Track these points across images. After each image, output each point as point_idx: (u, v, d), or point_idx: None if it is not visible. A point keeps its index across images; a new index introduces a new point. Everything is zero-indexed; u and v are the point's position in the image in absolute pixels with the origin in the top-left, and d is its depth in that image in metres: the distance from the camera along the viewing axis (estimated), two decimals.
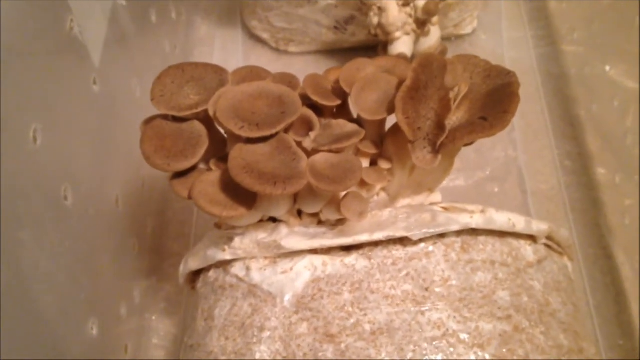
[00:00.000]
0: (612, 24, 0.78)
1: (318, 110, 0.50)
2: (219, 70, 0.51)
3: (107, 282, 0.59)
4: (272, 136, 0.46)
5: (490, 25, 0.91)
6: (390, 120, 0.51)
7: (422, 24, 0.74)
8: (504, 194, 0.77)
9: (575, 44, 0.86)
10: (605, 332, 0.68)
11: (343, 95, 0.51)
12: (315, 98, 0.49)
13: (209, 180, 0.47)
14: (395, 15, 0.73)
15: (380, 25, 0.74)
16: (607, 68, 0.77)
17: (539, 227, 0.50)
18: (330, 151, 0.46)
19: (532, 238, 0.52)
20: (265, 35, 0.88)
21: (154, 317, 0.70)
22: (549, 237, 0.53)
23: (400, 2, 0.73)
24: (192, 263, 0.53)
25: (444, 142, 0.45)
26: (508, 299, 0.47)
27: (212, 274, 0.53)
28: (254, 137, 0.44)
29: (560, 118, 0.83)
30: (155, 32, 0.78)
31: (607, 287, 0.70)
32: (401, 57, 0.60)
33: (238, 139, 0.46)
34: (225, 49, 0.90)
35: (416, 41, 0.77)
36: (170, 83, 0.50)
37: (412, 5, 0.73)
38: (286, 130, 0.47)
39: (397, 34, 0.74)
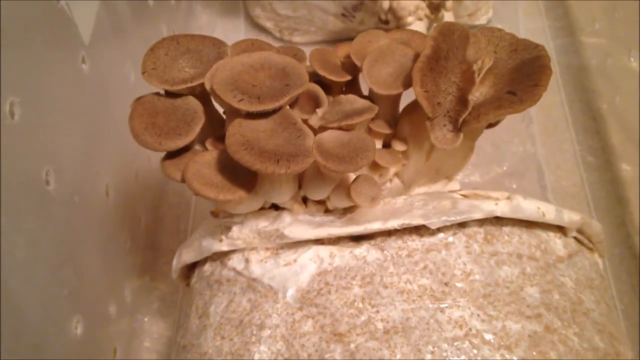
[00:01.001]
0: (636, 13, 0.73)
1: (326, 87, 0.46)
2: (217, 43, 0.46)
3: (94, 278, 0.54)
4: (274, 111, 0.41)
5: (506, 15, 0.87)
6: (405, 100, 0.47)
7: (435, 9, 0.70)
8: (522, 190, 0.72)
9: (597, 35, 0.82)
10: (632, 337, 0.62)
11: (353, 72, 0.46)
12: (323, 73, 0.44)
13: (204, 160, 0.42)
14: None
15: (391, 9, 0.69)
16: (631, 60, 0.72)
17: (570, 217, 0.45)
18: (339, 128, 0.41)
19: (561, 230, 0.47)
20: (268, 24, 0.83)
21: (146, 319, 0.65)
22: (579, 231, 0.48)
23: None
24: (186, 255, 0.49)
25: (467, 119, 0.40)
26: (537, 295, 0.42)
27: (207, 267, 0.48)
28: (254, 110, 0.40)
29: (581, 111, 0.78)
30: (152, 17, 0.73)
31: (634, 288, 0.65)
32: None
33: (237, 115, 0.41)
34: (226, 39, 0.84)
35: (429, 28, 0.73)
36: (164, 55, 0.45)
37: None
38: (291, 106, 0.42)
39: (409, 19, 0.69)
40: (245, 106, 0.39)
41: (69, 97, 0.51)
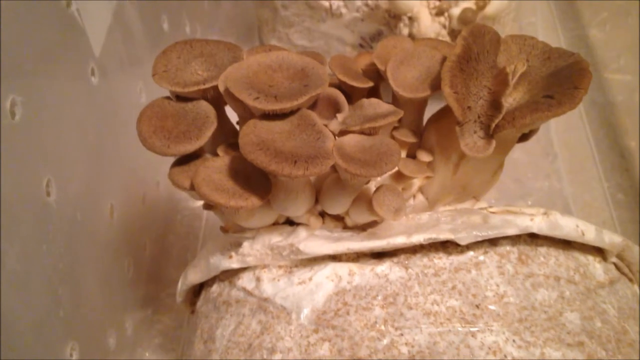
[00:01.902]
0: None
1: (347, 96, 0.43)
2: (232, 47, 0.44)
3: (92, 304, 0.50)
4: (292, 112, 0.38)
5: None
6: (429, 112, 0.44)
7: (456, 36, 0.68)
8: None
9: (622, 71, 0.80)
10: None
11: (375, 79, 0.43)
12: (344, 78, 0.42)
13: (215, 166, 0.39)
14: (427, 25, 0.67)
15: (411, 36, 0.67)
16: None
17: (611, 238, 0.42)
18: (361, 132, 0.38)
19: (601, 254, 0.43)
20: None
21: (147, 353, 0.60)
22: (619, 257, 0.44)
23: (434, 11, 0.67)
24: (192, 276, 0.45)
25: (500, 124, 0.37)
26: (578, 322, 0.38)
27: (215, 288, 0.44)
28: (271, 110, 0.37)
29: (608, 148, 0.75)
30: (166, 42, 0.71)
31: None
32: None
33: (252, 117, 0.38)
34: None
35: None
36: (176, 58, 0.43)
37: (446, 14, 0.67)
38: (310, 108, 0.39)
39: None
40: (261, 104, 0.36)
41: (76, 108, 0.49)
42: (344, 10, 0.73)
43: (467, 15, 0.64)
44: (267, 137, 0.36)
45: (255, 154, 0.35)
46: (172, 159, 0.46)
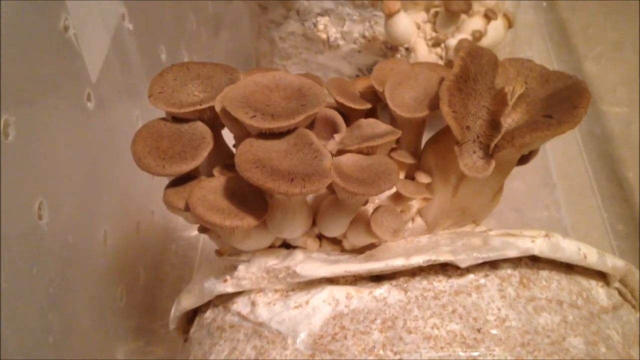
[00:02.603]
0: None
1: (344, 117, 0.42)
2: (229, 70, 0.43)
3: (83, 331, 0.49)
4: (289, 132, 0.38)
5: None
6: (428, 135, 0.43)
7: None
8: None
9: (618, 104, 0.80)
10: None
11: (373, 102, 0.43)
12: (341, 100, 0.41)
13: (210, 186, 0.38)
14: (424, 56, 0.67)
15: None
16: None
17: (614, 262, 0.41)
18: (359, 152, 0.38)
19: (604, 279, 0.42)
20: None
21: None
22: (622, 282, 0.43)
23: (430, 42, 0.68)
24: (186, 301, 0.44)
25: (500, 144, 0.37)
26: (582, 347, 0.37)
27: (209, 314, 0.43)
28: (267, 128, 0.36)
29: (606, 179, 0.75)
30: None
31: None
32: None
33: (248, 137, 0.38)
34: None
35: None
36: (172, 80, 0.42)
37: (442, 45, 0.67)
38: (307, 129, 0.39)
39: None
40: (257, 123, 0.36)
41: (71, 131, 0.48)
42: (341, 42, 0.73)
43: (464, 46, 0.64)
44: (264, 156, 0.36)
45: (252, 171, 0.35)
46: None
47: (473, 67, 0.38)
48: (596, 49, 0.87)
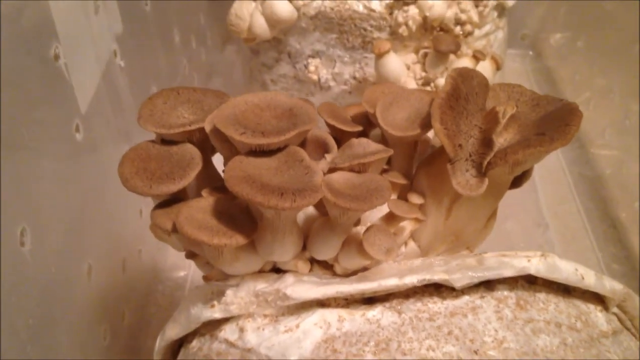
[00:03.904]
0: None
1: (336, 141, 0.42)
2: (220, 95, 0.43)
3: None
4: (279, 150, 0.37)
5: None
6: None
7: None
8: None
9: (607, 147, 0.80)
10: None
11: (365, 126, 0.43)
12: (332, 122, 0.41)
13: (198, 206, 0.37)
14: None
15: None
16: None
17: (612, 285, 0.40)
18: (351, 170, 0.37)
19: (602, 304, 0.41)
20: None
21: None
22: (621, 308, 0.42)
23: (420, 82, 0.68)
24: (171, 331, 0.42)
25: (493, 161, 0.36)
26: None
27: (195, 343, 0.41)
28: (257, 144, 0.36)
29: (599, 219, 0.75)
30: None
31: None
32: None
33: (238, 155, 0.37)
34: None
35: None
36: (162, 104, 0.42)
37: (432, 84, 0.68)
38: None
39: None
40: (247, 139, 0.36)
41: (57, 160, 0.48)
42: (332, 84, 0.74)
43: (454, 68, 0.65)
44: (254, 172, 0.35)
45: (241, 186, 0.34)
46: None
47: (464, 87, 0.38)
48: (584, 95, 0.88)
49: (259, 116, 0.38)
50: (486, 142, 0.37)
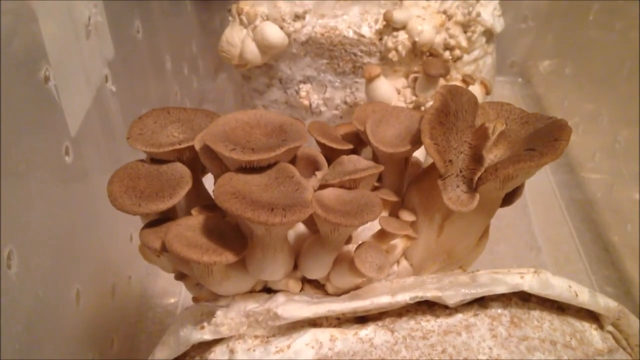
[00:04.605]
0: (636, 144, 0.73)
1: (326, 160, 0.42)
2: (210, 114, 0.43)
3: None
4: (269, 166, 0.37)
5: None
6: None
7: None
8: None
9: (597, 171, 0.81)
10: None
11: (355, 145, 0.43)
12: (322, 140, 0.41)
13: (188, 224, 0.37)
14: None
15: None
16: (635, 195, 0.70)
17: (607, 303, 0.39)
18: (341, 186, 0.37)
19: (597, 322, 0.41)
20: None
21: None
22: (615, 326, 0.41)
23: (411, 105, 0.69)
24: (160, 354, 0.41)
25: (483, 176, 0.36)
26: None
27: None
28: (247, 160, 0.36)
29: (591, 242, 0.75)
30: None
31: None
32: None
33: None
34: None
35: None
36: (152, 123, 0.42)
37: (422, 108, 0.68)
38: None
39: None
40: (237, 155, 0.35)
41: (46, 183, 0.47)
42: (323, 108, 0.74)
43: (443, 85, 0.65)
44: (244, 189, 0.35)
45: (230, 202, 0.34)
46: None
47: (453, 104, 0.38)
48: (573, 119, 0.88)
49: (249, 133, 0.38)
50: (476, 158, 0.37)
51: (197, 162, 0.41)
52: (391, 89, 0.67)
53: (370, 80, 0.67)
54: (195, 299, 0.41)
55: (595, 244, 0.74)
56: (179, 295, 0.68)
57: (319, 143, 0.42)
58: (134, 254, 0.63)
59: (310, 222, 0.40)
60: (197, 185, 0.42)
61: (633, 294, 0.67)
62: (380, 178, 0.42)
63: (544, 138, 0.38)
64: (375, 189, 0.41)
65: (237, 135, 0.38)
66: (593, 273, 0.71)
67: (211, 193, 0.43)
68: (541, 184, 0.83)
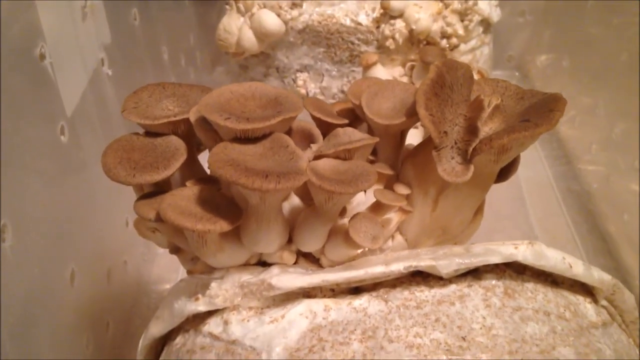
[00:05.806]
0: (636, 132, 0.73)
1: (322, 135, 0.42)
2: (205, 89, 0.43)
3: None
4: (264, 137, 0.37)
5: None
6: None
7: None
8: None
9: (594, 162, 0.81)
10: None
11: (351, 121, 0.43)
12: (318, 115, 0.41)
13: (182, 194, 0.37)
14: None
15: None
16: (632, 185, 0.70)
17: (601, 276, 0.40)
18: (336, 157, 0.37)
19: (591, 296, 0.41)
20: None
21: None
22: (610, 301, 0.41)
23: None
24: (155, 328, 0.41)
25: (478, 147, 0.36)
26: (572, 357, 0.35)
27: (178, 340, 0.40)
28: (242, 129, 0.36)
29: (588, 232, 0.74)
30: None
31: None
32: None
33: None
34: None
35: None
36: (147, 97, 0.42)
37: None
38: None
39: None
40: (232, 124, 0.35)
41: (42, 161, 0.47)
42: (320, 97, 0.74)
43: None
44: (238, 157, 0.35)
45: (225, 169, 0.34)
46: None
47: (449, 77, 0.38)
48: (570, 113, 0.88)
49: (244, 105, 0.38)
50: (471, 130, 0.37)
51: (192, 136, 0.41)
52: (388, 76, 0.68)
53: (367, 68, 0.67)
54: (189, 272, 0.41)
55: (592, 234, 0.74)
56: (174, 282, 0.68)
57: (314, 118, 0.42)
58: (130, 239, 0.63)
59: (305, 195, 0.40)
60: (192, 160, 0.42)
61: (630, 283, 0.67)
62: (375, 152, 0.42)
63: (539, 110, 0.38)
64: (370, 163, 0.41)
65: (232, 106, 0.38)
66: (590, 262, 0.70)
67: (207, 170, 0.43)
68: (538, 176, 0.83)
